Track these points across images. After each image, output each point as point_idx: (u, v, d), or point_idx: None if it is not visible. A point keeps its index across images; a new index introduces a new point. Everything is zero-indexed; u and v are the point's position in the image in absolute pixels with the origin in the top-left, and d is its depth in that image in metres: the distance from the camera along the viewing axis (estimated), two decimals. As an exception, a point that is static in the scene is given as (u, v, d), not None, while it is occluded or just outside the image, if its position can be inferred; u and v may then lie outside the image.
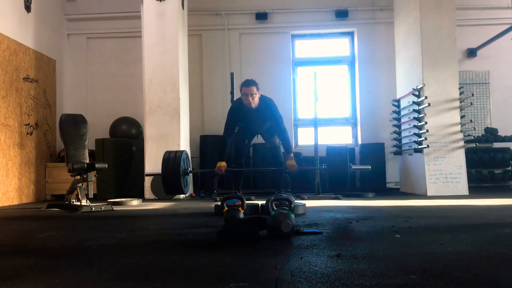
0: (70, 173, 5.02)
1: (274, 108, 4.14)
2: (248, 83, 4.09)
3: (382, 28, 8.06)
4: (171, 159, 3.99)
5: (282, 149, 4.34)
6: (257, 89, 4.10)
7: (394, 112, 7.20)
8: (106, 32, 8.17)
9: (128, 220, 3.97)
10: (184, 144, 6.70)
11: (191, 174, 4.32)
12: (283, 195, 3.95)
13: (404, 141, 6.92)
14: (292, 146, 4.31)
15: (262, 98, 4.19)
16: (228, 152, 4.22)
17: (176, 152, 4.08)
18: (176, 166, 3.93)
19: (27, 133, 6.49)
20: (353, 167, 4.43)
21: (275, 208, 3.13)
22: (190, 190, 7.04)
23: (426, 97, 6.19)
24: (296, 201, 4.24)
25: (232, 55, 8.06)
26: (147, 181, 6.52)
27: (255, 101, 4.07)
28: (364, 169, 4.88)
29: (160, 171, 4.08)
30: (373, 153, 7.36)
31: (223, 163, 4.14)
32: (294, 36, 8.39)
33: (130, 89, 7.98)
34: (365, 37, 8.16)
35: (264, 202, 3.92)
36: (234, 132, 4.30)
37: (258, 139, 4.96)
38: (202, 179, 7.61)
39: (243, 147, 4.25)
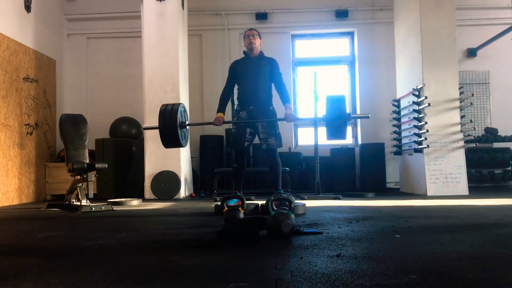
0: (70, 173, 5.02)
1: (275, 64, 4.23)
2: (251, 28, 4.38)
3: (382, 28, 8.06)
4: (168, 111, 3.98)
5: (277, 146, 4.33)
6: (259, 35, 4.29)
7: (394, 112, 7.20)
8: (106, 32, 8.17)
9: (128, 220, 3.96)
10: (184, 144, 6.70)
11: (188, 128, 4.30)
12: (283, 195, 3.94)
13: (404, 141, 6.93)
14: (290, 97, 4.34)
15: (266, 57, 4.28)
16: (224, 101, 4.28)
17: (173, 104, 4.07)
18: (173, 118, 3.92)
19: (27, 133, 6.49)
20: (353, 115, 4.40)
21: (275, 208, 3.13)
22: (190, 190, 7.05)
23: (426, 97, 6.19)
24: (296, 201, 4.23)
25: (232, 55, 8.05)
26: (147, 181, 6.52)
27: (255, 43, 4.22)
28: (363, 117, 4.87)
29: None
30: (373, 153, 7.36)
31: (221, 114, 4.22)
32: (294, 36, 8.39)
33: (130, 89, 7.98)
34: (365, 37, 8.16)
35: (264, 202, 3.92)
36: (232, 89, 4.41)
37: (258, 139, 4.94)
38: (202, 179, 7.62)
39: (243, 148, 4.23)
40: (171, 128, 3.93)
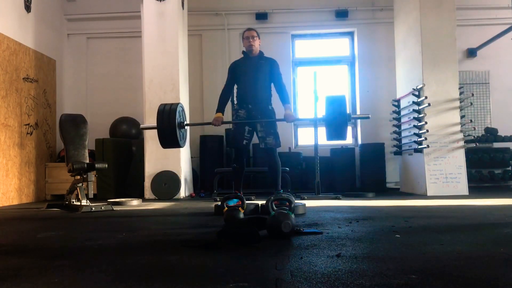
0: (70, 173, 5.02)
1: (275, 64, 4.25)
2: (250, 28, 4.34)
3: (382, 28, 8.06)
4: (166, 111, 3.96)
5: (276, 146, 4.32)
6: (258, 36, 4.27)
7: (394, 112, 7.20)
8: (106, 32, 8.17)
9: (128, 220, 3.97)
10: (184, 144, 6.70)
11: (187, 128, 4.30)
12: (283, 195, 3.94)
13: (404, 141, 6.93)
14: (290, 97, 4.34)
15: (266, 57, 4.29)
16: (224, 101, 4.29)
17: (171, 104, 4.06)
18: (171, 118, 3.91)
19: (27, 133, 6.49)
20: (353, 116, 4.37)
21: (275, 208, 3.13)
22: (190, 189, 7.05)
23: (426, 97, 6.19)
24: (296, 201, 4.24)
25: (232, 55, 8.05)
26: (147, 181, 6.52)
27: (255, 44, 4.21)
28: (364, 117, 4.81)
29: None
30: (373, 153, 7.36)
31: (220, 114, 4.24)
32: (294, 36, 8.39)
33: (130, 89, 7.98)
34: (365, 37, 8.16)
35: (264, 202, 3.92)
36: (232, 89, 4.39)
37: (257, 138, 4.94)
38: (202, 179, 7.61)
39: (242, 146, 4.23)
40: (169, 128, 3.92)
